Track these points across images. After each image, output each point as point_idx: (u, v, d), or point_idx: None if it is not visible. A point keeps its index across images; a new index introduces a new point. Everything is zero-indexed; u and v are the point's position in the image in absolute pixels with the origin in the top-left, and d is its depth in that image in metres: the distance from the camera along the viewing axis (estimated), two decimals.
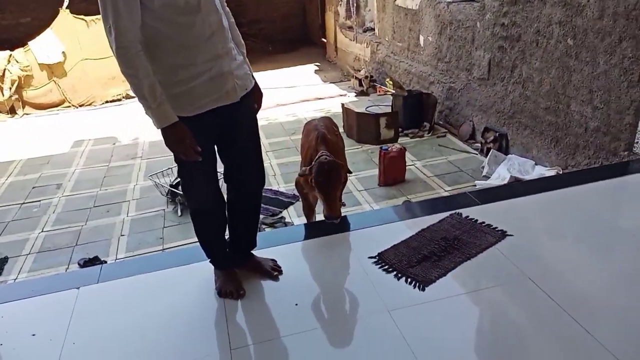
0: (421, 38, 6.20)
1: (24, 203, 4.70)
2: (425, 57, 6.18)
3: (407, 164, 4.59)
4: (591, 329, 1.90)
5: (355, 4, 8.25)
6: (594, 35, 3.57)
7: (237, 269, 2.31)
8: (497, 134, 4.79)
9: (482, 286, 2.26)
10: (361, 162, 4.97)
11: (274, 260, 2.35)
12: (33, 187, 5.03)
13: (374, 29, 7.90)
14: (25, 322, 2.17)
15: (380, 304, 2.13)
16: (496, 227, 2.58)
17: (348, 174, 2.63)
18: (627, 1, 3.26)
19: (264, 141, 5.82)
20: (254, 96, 2.09)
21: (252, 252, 2.37)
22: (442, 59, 5.77)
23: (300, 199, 3.14)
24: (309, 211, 2.94)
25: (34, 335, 2.10)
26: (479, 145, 5.05)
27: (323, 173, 2.38)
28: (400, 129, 5.49)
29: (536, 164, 4.36)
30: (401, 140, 5.40)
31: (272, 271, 2.30)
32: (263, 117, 6.45)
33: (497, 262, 2.36)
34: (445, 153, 5.08)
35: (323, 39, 10.28)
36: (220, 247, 2.26)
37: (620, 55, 3.39)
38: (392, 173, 4.41)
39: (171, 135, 1.76)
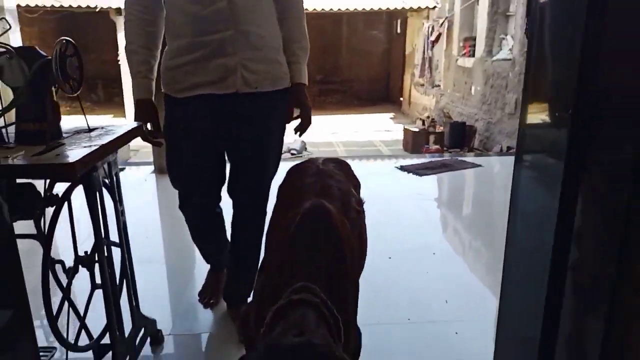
0: (472, 88, 8.00)
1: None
2: (474, 102, 7.94)
3: None
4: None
5: (429, 67, 10.27)
6: None
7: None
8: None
9: (451, 182, 3.92)
10: None
11: None
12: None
13: (440, 86, 9.82)
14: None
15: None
16: (476, 163, 4.24)
17: None
18: None
19: (341, 150, 7.79)
20: (291, 99, 1.70)
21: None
22: (485, 102, 7.50)
23: None
24: None
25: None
26: None
27: None
28: (445, 147, 7.20)
29: None
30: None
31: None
32: (344, 137, 8.45)
33: (467, 175, 4.01)
34: None
35: (401, 98, 12.32)
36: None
37: None
38: None
39: (136, 111, 1.62)
